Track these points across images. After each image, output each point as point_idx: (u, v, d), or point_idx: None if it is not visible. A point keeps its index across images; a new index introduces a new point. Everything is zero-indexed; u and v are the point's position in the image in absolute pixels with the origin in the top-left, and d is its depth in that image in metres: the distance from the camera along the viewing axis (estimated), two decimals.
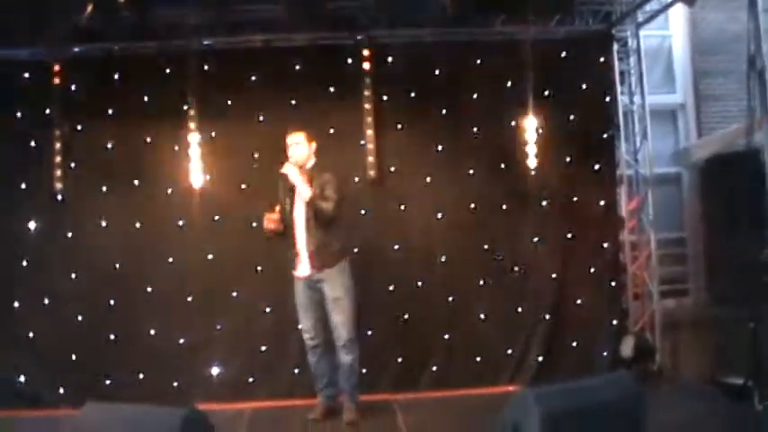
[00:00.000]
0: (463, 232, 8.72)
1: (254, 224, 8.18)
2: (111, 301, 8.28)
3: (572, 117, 8.84)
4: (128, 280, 8.33)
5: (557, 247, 8.82)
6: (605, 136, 9.01)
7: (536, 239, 8.81)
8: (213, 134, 8.49)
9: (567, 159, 8.85)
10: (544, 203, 8.86)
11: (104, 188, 8.44)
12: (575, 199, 8.85)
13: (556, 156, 8.80)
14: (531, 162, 8.67)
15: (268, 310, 8.39)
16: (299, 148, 6.95)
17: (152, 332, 8.29)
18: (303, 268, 6.93)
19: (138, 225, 8.40)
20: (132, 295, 8.31)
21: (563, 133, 8.81)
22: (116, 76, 8.45)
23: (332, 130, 8.16)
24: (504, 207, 8.82)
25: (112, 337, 8.24)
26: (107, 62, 8.46)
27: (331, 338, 7.01)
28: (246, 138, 8.53)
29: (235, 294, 8.41)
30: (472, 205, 8.76)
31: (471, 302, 8.67)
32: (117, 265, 8.32)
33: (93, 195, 8.40)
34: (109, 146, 8.46)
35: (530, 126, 8.68)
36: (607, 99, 9.06)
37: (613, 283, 8.90)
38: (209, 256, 8.42)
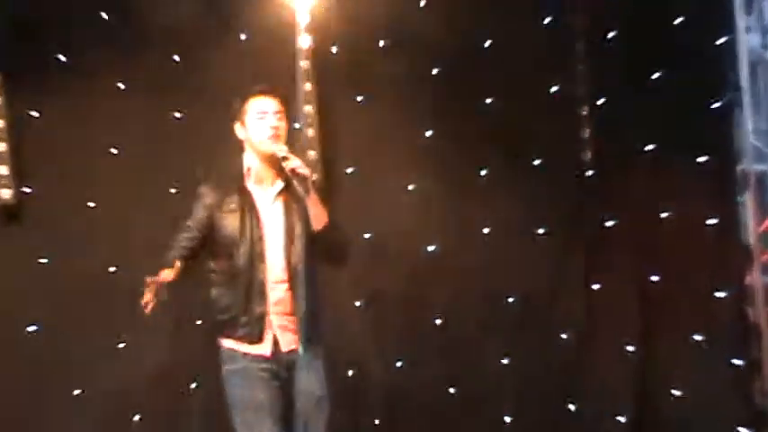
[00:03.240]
0: (468, 274, 6.34)
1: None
2: None
3: (658, 75, 6.29)
4: None
5: (633, 299, 6.36)
6: (717, 105, 6.60)
7: (596, 285, 6.41)
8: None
9: (650, 148, 6.29)
10: (609, 224, 6.36)
11: None
12: (663, 216, 6.32)
13: (631, 143, 6.36)
14: (587, 155, 6.23)
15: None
16: (283, 123, 4.42)
17: None
18: (272, 343, 4.39)
19: None
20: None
21: (642, 104, 6.28)
22: None
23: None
24: (540, 231, 6.39)
25: None
26: None
27: None
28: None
29: None
30: (486, 229, 6.32)
31: (489, 394, 6.30)
32: None
33: None
34: None
35: (584, 94, 6.23)
36: (720, 41, 6.51)
37: (738, 362, 6.43)
38: None
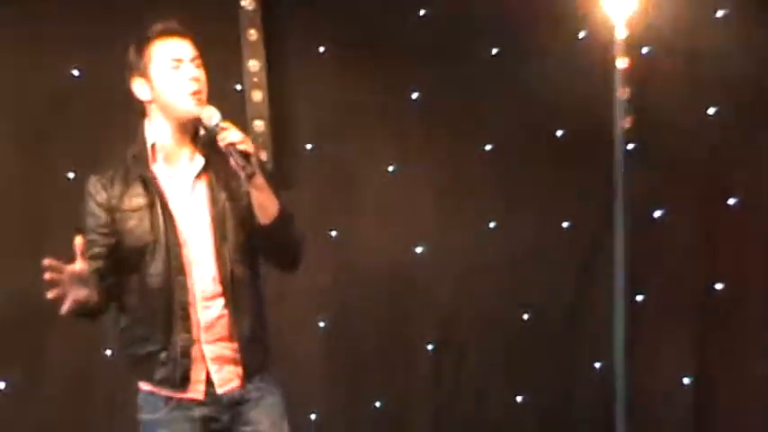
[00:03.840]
0: (469, 283, 5.08)
1: None
2: None
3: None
4: None
5: (690, 313, 4.92)
6: None
7: (640, 296, 4.92)
8: None
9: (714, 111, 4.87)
10: (657, 214, 4.94)
11: None
12: (731, 202, 4.92)
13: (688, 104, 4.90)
14: (627, 122, 4.62)
15: None
16: (203, 74, 3.44)
17: None
18: (204, 382, 3.49)
19: None
20: None
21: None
22: None
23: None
24: (565, 224, 5.02)
25: None
26: None
27: None
28: None
29: None
30: (492, 222, 5.04)
31: None
32: None
33: None
34: None
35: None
36: None
37: None
38: None
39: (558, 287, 5.09)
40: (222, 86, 4.66)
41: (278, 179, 4.57)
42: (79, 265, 2.97)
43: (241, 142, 3.22)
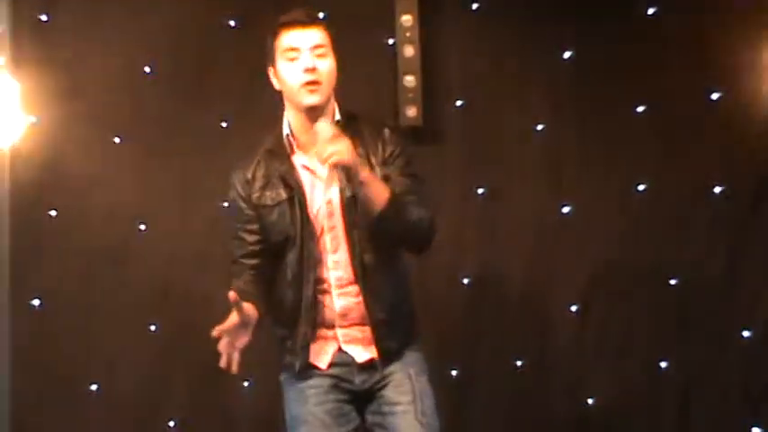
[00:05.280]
0: (615, 245, 4.80)
1: None
2: None
3: None
4: None
5: None
6: None
7: None
8: None
9: None
10: None
11: None
12: None
13: None
14: None
15: None
16: (326, 63, 3.30)
17: None
18: (332, 354, 3.45)
19: None
20: None
21: None
22: None
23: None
24: (717, 189, 4.67)
25: None
26: None
27: None
28: None
29: None
30: (641, 185, 4.75)
31: (639, 408, 4.69)
32: None
33: None
34: None
35: None
36: None
37: None
38: None
39: (707, 254, 4.75)
40: (374, 41, 4.65)
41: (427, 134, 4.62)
42: (236, 317, 2.99)
43: (336, 156, 3.07)
